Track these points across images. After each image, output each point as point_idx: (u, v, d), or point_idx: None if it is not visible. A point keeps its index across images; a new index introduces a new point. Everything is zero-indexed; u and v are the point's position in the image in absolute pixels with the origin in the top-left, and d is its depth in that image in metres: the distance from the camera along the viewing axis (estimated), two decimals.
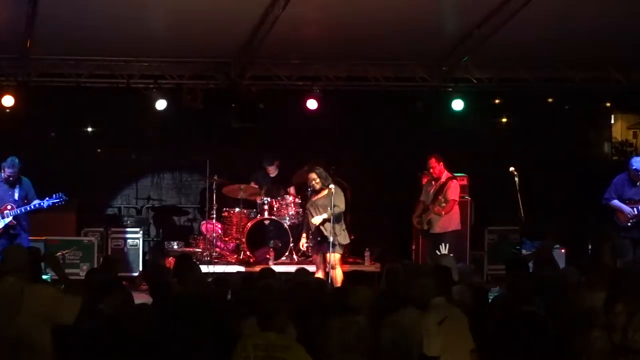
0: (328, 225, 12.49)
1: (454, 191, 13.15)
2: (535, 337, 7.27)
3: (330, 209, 12.51)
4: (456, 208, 13.30)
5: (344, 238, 12.79)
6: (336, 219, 12.55)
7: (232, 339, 7.58)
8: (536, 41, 12.00)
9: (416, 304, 7.83)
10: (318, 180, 12.58)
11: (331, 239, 12.54)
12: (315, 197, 12.90)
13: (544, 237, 13.20)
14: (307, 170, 13.18)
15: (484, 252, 13.42)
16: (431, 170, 13.24)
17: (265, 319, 6.96)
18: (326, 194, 12.61)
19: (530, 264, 10.77)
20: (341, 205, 12.61)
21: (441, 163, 13.19)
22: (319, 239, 12.74)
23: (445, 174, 13.20)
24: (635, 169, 12.43)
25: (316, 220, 12.74)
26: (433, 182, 13.19)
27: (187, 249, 13.87)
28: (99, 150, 15.66)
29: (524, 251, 12.99)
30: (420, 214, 13.39)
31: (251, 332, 7.04)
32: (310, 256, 13.53)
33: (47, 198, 12.29)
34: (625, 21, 11.27)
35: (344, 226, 12.52)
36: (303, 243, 12.99)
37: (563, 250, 12.96)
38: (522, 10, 11.03)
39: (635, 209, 12.34)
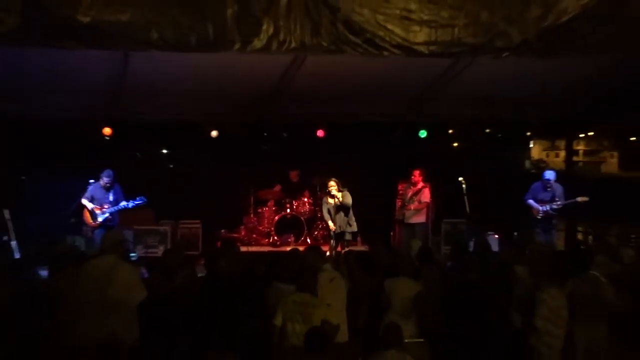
0: (346, 217, 12.53)
1: (427, 195, 13.49)
2: (473, 303, 7.30)
3: (347, 207, 12.53)
4: (425, 205, 13.40)
5: (354, 227, 12.66)
6: (348, 213, 12.55)
7: (262, 299, 7.68)
8: (476, 90, 11.97)
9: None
10: (335, 186, 12.50)
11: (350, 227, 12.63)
12: (332, 198, 12.64)
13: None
14: (326, 179, 13.00)
15: (441, 238, 13.46)
16: (413, 179, 13.56)
17: (303, 285, 7.28)
18: (342, 196, 12.45)
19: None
20: (350, 204, 12.42)
21: (421, 175, 13.51)
22: (339, 230, 12.55)
23: (421, 183, 13.47)
24: (547, 179, 13.00)
25: (352, 226, 12.73)
26: (411, 187, 13.31)
27: (233, 235, 13.82)
28: (171, 166, 15.70)
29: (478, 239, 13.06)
30: (400, 209, 13.63)
31: (292, 292, 7.36)
32: (321, 239, 13.31)
33: (132, 200, 12.35)
34: (537, 77, 11.38)
35: (353, 218, 12.38)
36: (332, 226, 12.56)
37: (496, 236, 13.06)
38: (464, 72, 11.17)
39: (544, 207, 12.79)
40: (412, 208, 13.38)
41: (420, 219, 13.37)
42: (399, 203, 13.88)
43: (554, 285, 7.42)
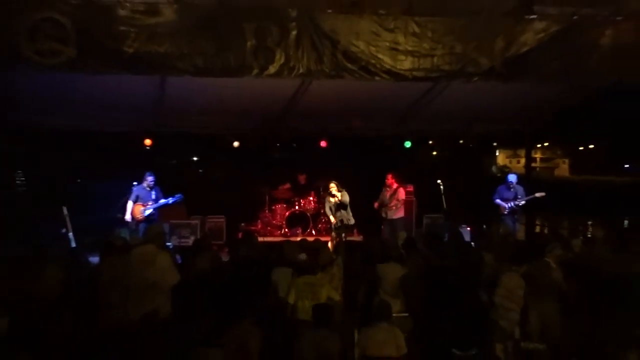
0: (345, 213, 12.46)
1: (402, 194, 13.31)
2: (449, 283, 7.29)
3: (345, 204, 12.52)
4: (402, 203, 13.29)
5: (352, 221, 12.61)
6: (346, 209, 12.54)
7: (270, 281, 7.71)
8: (451, 108, 11.98)
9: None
10: (335, 187, 12.49)
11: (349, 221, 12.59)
12: (333, 197, 12.60)
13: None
14: (328, 181, 13.00)
15: (422, 230, 13.28)
16: (387, 181, 13.37)
17: (312, 268, 7.48)
18: (341, 195, 12.45)
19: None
20: (348, 202, 12.46)
21: (393, 178, 13.33)
22: (339, 224, 12.50)
23: (395, 184, 13.29)
24: (510, 181, 12.85)
25: (350, 220, 12.71)
26: (388, 189, 13.22)
27: (251, 227, 13.81)
28: (200, 171, 15.73)
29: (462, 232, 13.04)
30: (379, 208, 13.41)
31: (302, 274, 7.42)
32: (324, 231, 13.28)
33: (171, 197, 12.35)
34: (501, 97, 11.37)
35: (350, 213, 12.36)
36: (333, 220, 12.56)
37: (469, 229, 13.05)
38: (441, 94, 11.22)
39: (508, 204, 12.66)
40: (392, 207, 13.22)
41: (400, 214, 13.19)
42: (376, 205, 13.78)
43: (511, 269, 7.45)
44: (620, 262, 8.61)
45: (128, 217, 12.13)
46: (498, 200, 12.80)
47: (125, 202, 12.23)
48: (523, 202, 12.63)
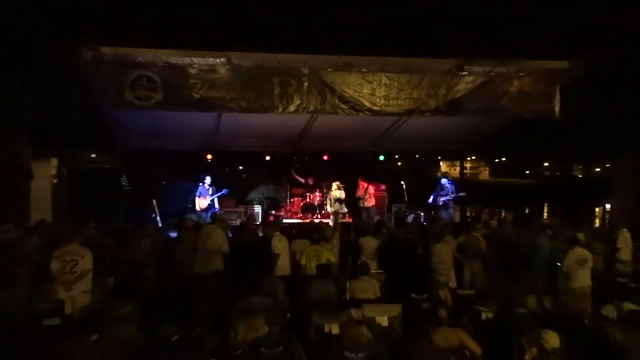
0: (340, 205, 12.56)
1: (372, 189, 12.99)
2: (409, 250, 7.23)
3: (342, 199, 12.61)
4: (372, 196, 12.97)
5: (345, 210, 12.69)
6: (342, 202, 12.62)
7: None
8: (410, 134, 11.92)
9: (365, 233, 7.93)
10: (335, 187, 12.57)
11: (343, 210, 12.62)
12: (334, 194, 12.63)
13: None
14: (329, 182, 13.10)
15: (392, 215, 13.17)
16: (359, 183, 12.99)
17: (317, 239, 7.28)
18: (339, 193, 12.52)
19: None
20: (344, 197, 12.55)
21: (363, 180, 13.01)
22: (344, 211, 12.59)
23: (366, 184, 12.95)
24: (442, 184, 12.48)
25: (344, 209, 12.73)
26: (360, 188, 12.91)
27: (278, 213, 13.74)
28: (244, 176, 15.66)
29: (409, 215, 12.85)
30: (357, 200, 13.04)
31: (311, 243, 7.34)
32: (326, 217, 13.17)
33: (221, 191, 12.22)
34: (443, 127, 11.27)
35: (344, 204, 12.60)
36: (331, 210, 12.66)
37: (422, 213, 12.86)
38: (403, 124, 11.18)
39: (444, 198, 12.28)
40: (367, 199, 12.86)
41: (372, 203, 12.78)
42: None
43: (440, 242, 7.38)
44: (522, 235, 8.61)
45: (197, 207, 12.04)
46: (436, 196, 12.51)
47: (193, 197, 12.20)
48: (452, 197, 12.32)
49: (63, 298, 5.26)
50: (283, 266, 7.24)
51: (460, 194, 12.61)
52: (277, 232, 7.66)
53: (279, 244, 7.33)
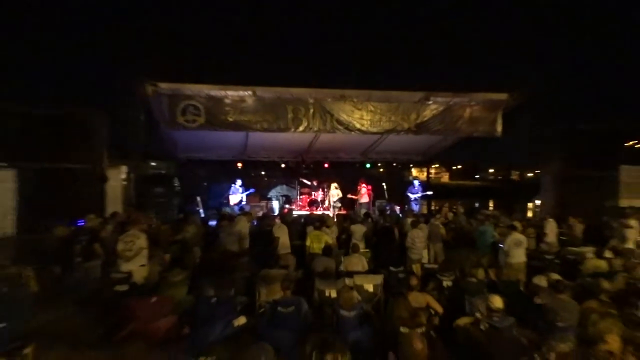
0: (337, 202, 12.46)
1: (368, 189, 12.72)
2: (388, 234, 7.17)
3: (340, 196, 12.49)
4: (367, 194, 12.70)
5: (338, 204, 12.51)
6: (339, 198, 12.51)
7: (303, 233, 7.57)
8: (389, 147, 11.93)
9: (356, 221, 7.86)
10: (335, 187, 12.47)
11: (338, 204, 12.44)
12: (332, 191, 12.49)
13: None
14: (329, 183, 12.84)
15: (375, 208, 13.04)
16: (360, 183, 12.76)
17: (319, 226, 7.17)
18: (337, 192, 12.43)
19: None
20: (341, 195, 12.46)
21: (363, 182, 12.80)
22: (339, 205, 12.47)
23: (361, 184, 12.74)
24: (414, 184, 12.32)
25: (337, 204, 12.35)
26: (359, 187, 12.75)
27: (290, 207, 13.64)
28: (265, 179, 15.53)
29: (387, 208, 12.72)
30: (355, 196, 12.83)
31: (314, 229, 7.25)
32: (326, 209, 13.09)
33: (249, 190, 12.11)
34: (415, 142, 11.25)
35: (339, 201, 12.50)
36: (330, 204, 12.43)
37: (398, 207, 12.70)
38: (384, 140, 11.05)
39: (414, 197, 12.10)
40: (362, 195, 12.69)
41: (365, 199, 12.62)
42: (353, 195, 13.52)
43: (414, 228, 7.33)
44: (472, 223, 8.56)
45: (231, 202, 11.93)
46: (408, 193, 12.42)
47: (228, 195, 12.15)
48: (421, 195, 12.17)
49: (125, 270, 5.26)
50: (284, 245, 7.16)
51: (428, 193, 12.55)
52: (277, 221, 7.55)
53: (278, 230, 7.23)
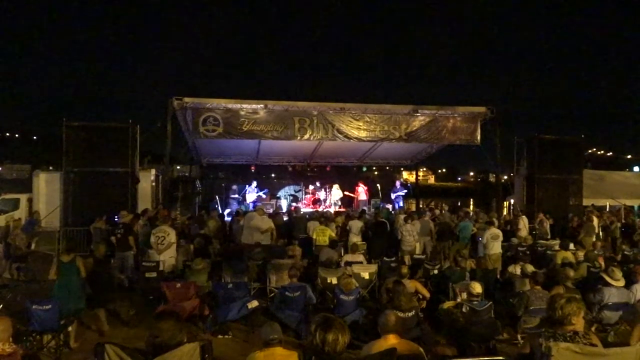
0: (338, 200, 12.29)
1: (366, 190, 12.53)
2: (382, 227, 7.10)
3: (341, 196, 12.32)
4: (364, 194, 12.49)
5: (339, 203, 12.35)
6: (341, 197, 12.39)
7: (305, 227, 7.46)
8: (383, 153, 11.86)
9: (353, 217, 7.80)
10: (336, 188, 12.34)
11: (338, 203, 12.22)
12: (334, 191, 12.31)
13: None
14: (332, 184, 12.62)
15: (371, 206, 12.88)
16: (359, 184, 12.61)
17: (323, 221, 7.08)
18: (339, 192, 12.30)
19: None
20: (342, 194, 12.33)
21: (361, 183, 12.65)
22: (339, 203, 12.30)
23: (362, 186, 12.54)
24: (395, 185, 12.15)
25: (338, 202, 12.14)
26: (357, 187, 12.63)
27: (297, 205, 13.52)
28: (275, 180, 15.44)
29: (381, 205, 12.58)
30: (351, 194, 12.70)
31: (318, 224, 7.06)
32: (328, 207, 13.02)
33: (262, 190, 12.06)
34: (405, 149, 11.21)
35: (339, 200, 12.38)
36: (332, 203, 12.20)
37: (389, 205, 12.52)
38: (378, 147, 10.92)
39: (397, 195, 11.92)
40: (358, 195, 12.55)
41: (363, 197, 12.40)
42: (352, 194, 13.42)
43: (408, 223, 7.21)
44: (454, 220, 8.51)
45: (247, 200, 11.78)
46: (392, 193, 12.19)
47: (244, 194, 12.11)
48: (401, 194, 12.01)
49: (156, 260, 5.31)
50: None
51: (404, 191, 12.32)
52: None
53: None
